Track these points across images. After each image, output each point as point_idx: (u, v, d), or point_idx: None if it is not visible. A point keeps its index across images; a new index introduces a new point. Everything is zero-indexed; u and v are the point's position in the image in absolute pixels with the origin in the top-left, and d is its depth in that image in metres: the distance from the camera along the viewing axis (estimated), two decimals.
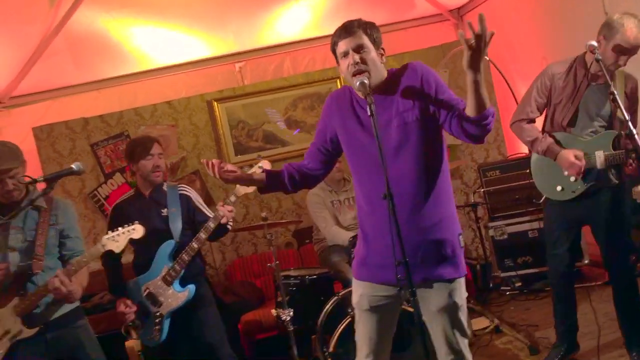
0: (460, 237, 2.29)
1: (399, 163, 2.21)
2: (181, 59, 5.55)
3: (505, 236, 4.88)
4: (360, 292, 2.35)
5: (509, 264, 4.87)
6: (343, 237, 3.88)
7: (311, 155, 2.49)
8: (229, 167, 2.33)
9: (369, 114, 2.12)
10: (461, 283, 2.28)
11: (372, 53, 2.26)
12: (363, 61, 2.24)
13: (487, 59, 5.32)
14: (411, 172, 2.23)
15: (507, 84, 5.13)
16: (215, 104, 5.31)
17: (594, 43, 2.90)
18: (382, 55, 2.31)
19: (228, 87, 5.48)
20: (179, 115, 5.28)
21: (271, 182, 2.43)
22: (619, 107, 2.63)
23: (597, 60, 2.85)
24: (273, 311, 3.50)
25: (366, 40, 2.26)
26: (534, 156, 3.29)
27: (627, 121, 2.53)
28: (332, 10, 5.54)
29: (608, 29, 2.88)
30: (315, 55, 5.88)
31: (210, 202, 4.93)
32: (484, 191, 4.97)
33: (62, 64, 5.10)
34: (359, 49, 2.25)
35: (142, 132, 5.05)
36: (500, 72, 5.19)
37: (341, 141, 2.39)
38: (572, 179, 3.10)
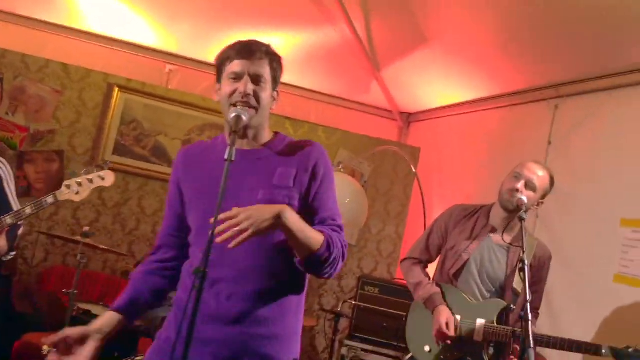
0: None
1: (246, 245, 1.64)
2: (116, 33, 4.93)
3: None
4: None
5: None
6: None
7: (166, 238, 1.89)
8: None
9: (225, 157, 1.58)
10: None
11: (267, 92, 1.78)
12: (256, 97, 1.74)
13: (414, 171, 5.00)
14: (258, 261, 1.72)
15: (424, 205, 4.78)
16: (116, 89, 4.62)
17: (524, 198, 2.51)
18: (274, 100, 1.84)
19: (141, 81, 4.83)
20: (71, 85, 4.53)
21: (133, 314, 1.81)
22: (524, 281, 2.19)
23: (521, 219, 2.45)
24: (45, 347, 2.75)
25: (268, 74, 1.78)
26: (414, 303, 2.86)
27: (526, 302, 2.09)
28: (288, 59, 5.07)
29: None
30: None
31: None
32: (354, 304, 4.46)
33: None
34: (257, 79, 1.75)
35: (19, 84, 4.30)
36: (421, 191, 4.85)
37: (186, 202, 1.83)
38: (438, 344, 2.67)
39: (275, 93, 1.85)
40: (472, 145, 4.90)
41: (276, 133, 1.90)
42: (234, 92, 1.75)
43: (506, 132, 4.50)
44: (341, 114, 5.62)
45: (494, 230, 2.73)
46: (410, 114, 5.81)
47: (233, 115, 1.70)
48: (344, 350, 4.35)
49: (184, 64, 5.21)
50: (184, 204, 1.85)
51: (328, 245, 1.67)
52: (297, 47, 4.96)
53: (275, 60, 1.83)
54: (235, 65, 1.76)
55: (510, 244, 2.70)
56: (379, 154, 5.10)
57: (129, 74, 4.82)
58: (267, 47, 1.82)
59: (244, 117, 1.70)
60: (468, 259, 2.69)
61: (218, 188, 1.67)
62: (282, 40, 4.97)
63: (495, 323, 2.61)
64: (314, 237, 1.66)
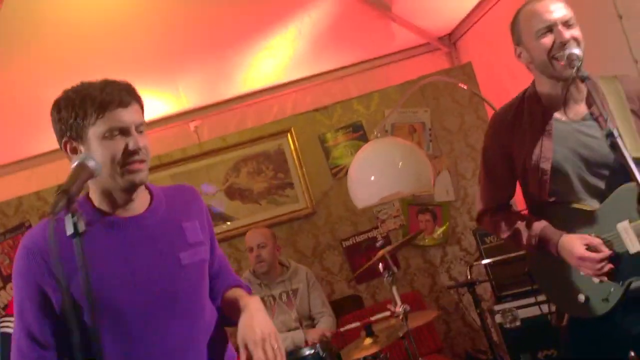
0: None
1: (179, 323, 1.55)
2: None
3: (518, 323, 3.65)
4: None
5: None
6: None
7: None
8: None
9: (80, 229, 1.26)
10: None
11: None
12: (146, 150, 1.47)
13: (479, 95, 4.25)
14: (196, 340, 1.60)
15: None
16: None
17: (576, 51, 1.79)
18: None
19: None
20: None
21: None
22: (624, 156, 1.48)
23: (583, 79, 1.72)
24: None
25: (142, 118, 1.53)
26: (528, 258, 2.15)
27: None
28: (300, 53, 4.65)
29: (513, 31, 2.03)
30: (284, 104, 4.94)
31: None
32: (484, 264, 3.78)
33: None
34: (141, 128, 1.48)
35: None
36: (494, 109, 4.10)
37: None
38: (596, 280, 1.91)
39: None
40: None
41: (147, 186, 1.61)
42: (123, 152, 1.43)
43: None
44: (380, 75, 4.96)
45: (556, 109, 1.98)
46: (449, 35, 5.05)
47: (130, 183, 1.47)
48: (497, 318, 3.69)
49: (204, 114, 4.88)
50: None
51: None
52: (298, 39, 4.51)
53: (140, 99, 1.51)
54: (112, 120, 1.42)
55: (591, 112, 1.95)
56: (431, 92, 4.43)
57: (162, 150, 4.56)
58: (128, 85, 1.48)
59: (137, 180, 1.47)
60: (552, 164, 1.95)
61: (135, 268, 1.47)
62: (280, 42, 4.55)
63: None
64: None
